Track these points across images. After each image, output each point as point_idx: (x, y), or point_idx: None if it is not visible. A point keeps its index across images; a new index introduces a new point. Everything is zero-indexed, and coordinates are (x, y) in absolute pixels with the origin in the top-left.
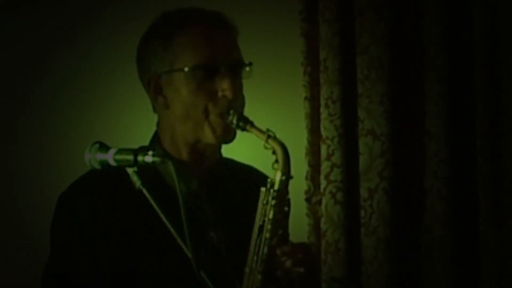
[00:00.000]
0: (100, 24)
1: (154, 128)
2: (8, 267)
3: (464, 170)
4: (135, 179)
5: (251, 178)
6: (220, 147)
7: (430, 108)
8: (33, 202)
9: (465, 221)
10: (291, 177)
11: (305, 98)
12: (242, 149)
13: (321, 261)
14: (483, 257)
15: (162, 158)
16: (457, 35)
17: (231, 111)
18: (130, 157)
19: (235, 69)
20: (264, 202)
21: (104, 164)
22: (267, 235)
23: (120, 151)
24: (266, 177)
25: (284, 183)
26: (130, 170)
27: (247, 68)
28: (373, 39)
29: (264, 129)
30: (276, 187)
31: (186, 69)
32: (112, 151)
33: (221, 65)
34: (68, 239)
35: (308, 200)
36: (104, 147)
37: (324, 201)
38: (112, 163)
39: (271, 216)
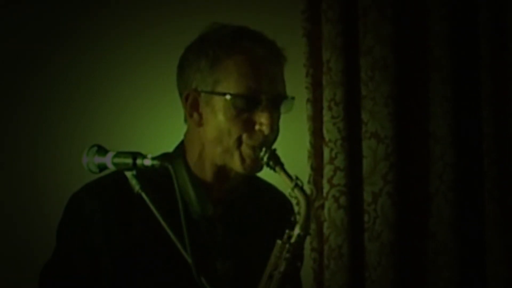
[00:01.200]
0: (98, 24)
1: (153, 130)
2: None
3: (470, 173)
4: (134, 182)
5: (273, 200)
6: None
7: (435, 109)
8: (28, 205)
9: (471, 226)
10: (309, 234)
11: (308, 100)
12: None
13: (323, 266)
14: (489, 263)
15: (162, 162)
16: (463, 35)
17: (264, 148)
18: (129, 161)
19: (276, 102)
20: (277, 254)
21: (102, 168)
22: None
23: (119, 154)
24: (288, 201)
25: (302, 239)
26: (128, 174)
27: (287, 105)
28: (377, 39)
29: (293, 175)
30: (292, 240)
31: (228, 96)
32: (110, 154)
33: (264, 97)
34: (73, 241)
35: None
36: (102, 150)
37: (327, 205)
38: (111, 166)
39: (282, 269)
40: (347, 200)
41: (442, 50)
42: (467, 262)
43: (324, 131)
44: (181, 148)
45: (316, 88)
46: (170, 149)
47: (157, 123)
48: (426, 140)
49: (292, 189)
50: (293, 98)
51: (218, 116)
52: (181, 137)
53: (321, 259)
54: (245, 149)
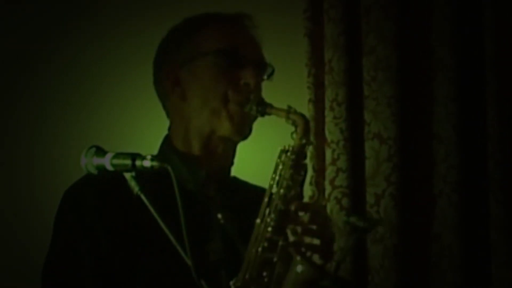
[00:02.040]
0: (97, 23)
1: (151, 132)
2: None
3: (474, 175)
4: (132, 184)
5: (259, 191)
6: (233, 153)
7: (439, 110)
8: (25, 207)
9: (476, 228)
10: (311, 143)
11: (309, 100)
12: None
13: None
14: (494, 266)
15: (161, 162)
16: (467, 34)
17: (251, 96)
18: (128, 162)
19: (258, 65)
20: (281, 160)
21: (101, 169)
22: (282, 191)
23: (118, 155)
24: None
25: (303, 146)
26: (127, 175)
27: (268, 72)
28: (380, 38)
29: (284, 107)
30: (295, 149)
31: (209, 54)
32: (109, 156)
33: (245, 57)
34: (70, 235)
35: None
36: (100, 151)
37: (329, 207)
38: (109, 167)
39: (287, 176)
40: (350, 202)
41: (446, 50)
42: (471, 265)
43: (326, 132)
44: (166, 140)
45: (318, 88)
46: None
47: (157, 124)
48: (430, 141)
49: (287, 116)
50: (272, 67)
51: (201, 80)
52: None
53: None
54: (232, 106)
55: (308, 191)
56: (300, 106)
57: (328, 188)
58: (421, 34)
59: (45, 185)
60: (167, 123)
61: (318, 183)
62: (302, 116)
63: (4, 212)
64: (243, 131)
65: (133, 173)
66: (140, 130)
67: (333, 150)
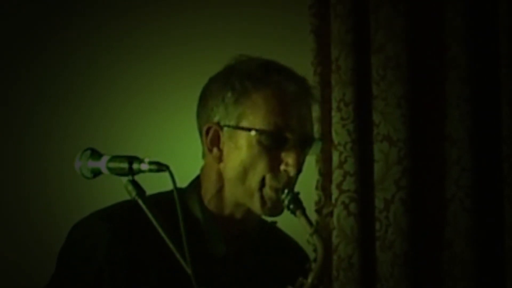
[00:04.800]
0: (88, 22)
1: (150, 133)
2: None
3: (488, 178)
4: (130, 188)
5: (288, 249)
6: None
7: (452, 111)
8: (17, 213)
9: (490, 235)
10: (323, 284)
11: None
12: None
13: (332, 278)
14: (508, 274)
15: (159, 165)
16: (482, 31)
17: (286, 190)
18: (125, 165)
19: (304, 142)
20: None
21: (96, 173)
22: None
23: (114, 158)
24: (307, 257)
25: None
26: (124, 180)
27: (317, 149)
28: (389, 36)
29: (313, 221)
30: None
31: (253, 132)
32: (105, 159)
33: (291, 136)
34: (75, 269)
35: (318, 211)
36: (96, 154)
37: (336, 212)
38: (105, 171)
39: None
40: (358, 207)
41: (459, 47)
42: (485, 274)
43: (333, 134)
44: (196, 183)
45: (324, 87)
46: (169, 151)
47: (154, 125)
48: (442, 143)
49: (311, 235)
50: (321, 139)
51: (241, 153)
52: (180, 141)
53: (329, 270)
54: (267, 191)
55: (314, 196)
56: None
57: (335, 193)
58: (432, 31)
59: (37, 190)
60: (166, 124)
61: (325, 188)
62: (324, 247)
63: None
64: (275, 214)
65: (130, 177)
66: (137, 132)
67: (340, 153)
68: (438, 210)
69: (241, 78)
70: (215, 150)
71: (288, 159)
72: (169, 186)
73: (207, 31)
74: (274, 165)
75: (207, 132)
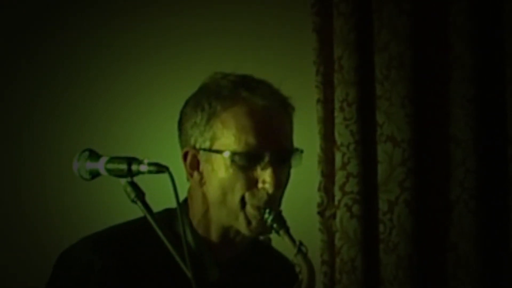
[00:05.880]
0: (86, 20)
1: (149, 134)
2: None
3: (494, 180)
4: (128, 190)
5: (285, 275)
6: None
7: (456, 111)
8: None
9: (495, 237)
10: None
11: (318, 100)
12: None
13: (335, 281)
14: None
15: (159, 167)
16: (486, 29)
17: (268, 209)
18: (124, 166)
19: (281, 157)
20: None
21: (95, 174)
22: None
23: (112, 159)
24: (297, 277)
25: None
26: (123, 181)
27: (296, 159)
28: (393, 35)
29: (298, 241)
30: None
31: (226, 154)
32: (103, 160)
33: (266, 153)
34: None
35: (321, 213)
36: (94, 155)
37: (338, 214)
38: (104, 172)
39: None
40: (361, 209)
41: (463, 47)
42: (490, 277)
43: (336, 134)
44: (184, 206)
45: (327, 87)
46: (168, 152)
47: (154, 126)
48: (446, 144)
49: (295, 255)
50: (301, 151)
51: (218, 175)
52: (178, 143)
53: (332, 273)
54: (249, 209)
55: (316, 197)
56: (308, 107)
57: (337, 195)
58: (437, 30)
59: (34, 191)
60: (165, 125)
61: (327, 189)
62: (310, 267)
63: None
64: (262, 233)
65: (129, 179)
66: (136, 132)
67: (343, 154)
68: (442, 212)
69: (209, 98)
70: (195, 174)
71: (265, 176)
72: (168, 187)
73: (207, 30)
74: (251, 184)
75: (185, 157)
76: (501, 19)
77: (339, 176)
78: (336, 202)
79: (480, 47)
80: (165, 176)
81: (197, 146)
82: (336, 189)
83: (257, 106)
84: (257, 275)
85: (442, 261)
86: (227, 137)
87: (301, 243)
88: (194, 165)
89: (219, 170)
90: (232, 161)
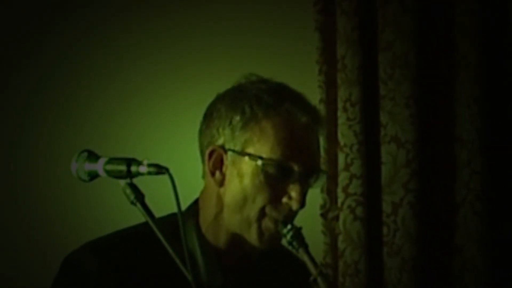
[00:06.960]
0: (88, 22)
1: (148, 134)
2: None
3: (499, 181)
4: (128, 192)
5: (289, 268)
6: None
7: (462, 111)
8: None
9: (501, 239)
10: None
11: (321, 100)
12: None
13: (338, 284)
14: None
15: (159, 168)
16: (493, 28)
17: (289, 225)
18: (123, 167)
19: (309, 175)
20: None
21: (93, 175)
22: None
23: (111, 160)
24: (308, 273)
25: None
26: (122, 182)
27: (321, 182)
28: (397, 33)
29: (318, 262)
30: None
31: (259, 161)
32: (102, 161)
33: (298, 168)
34: None
35: (324, 215)
36: (93, 156)
37: (342, 216)
38: (102, 173)
39: None
40: (364, 211)
41: (469, 46)
42: (496, 280)
43: (339, 135)
44: (194, 207)
45: (330, 87)
46: (168, 153)
47: (153, 126)
48: (452, 145)
49: (315, 278)
50: (326, 172)
51: (243, 180)
52: (179, 143)
53: (335, 276)
54: (266, 222)
55: (319, 199)
56: None
57: (341, 196)
58: (442, 29)
59: (32, 193)
60: (164, 125)
61: (330, 191)
62: (330, 287)
63: None
64: (271, 246)
65: (128, 180)
66: (135, 133)
67: (347, 155)
68: (448, 214)
69: (251, 103)
70: (217, 173)
71: (292, 192)
72: (168, 189)
73: (208, 29)
74: (276, 197)
75: (210, 155)
76: (506, 18)
77: (342, 178)
78: (339, 204)
79: (485, 46)
80: (165, 177)
81: (226, 146)
82: (339, 190)
83: (299, 121)
84: (264, 277)
85: (448, 264)
86: (262, 145)
87: (322, 265)
88: (217, 165)
89: (246, 175)
90: (264, 169)
